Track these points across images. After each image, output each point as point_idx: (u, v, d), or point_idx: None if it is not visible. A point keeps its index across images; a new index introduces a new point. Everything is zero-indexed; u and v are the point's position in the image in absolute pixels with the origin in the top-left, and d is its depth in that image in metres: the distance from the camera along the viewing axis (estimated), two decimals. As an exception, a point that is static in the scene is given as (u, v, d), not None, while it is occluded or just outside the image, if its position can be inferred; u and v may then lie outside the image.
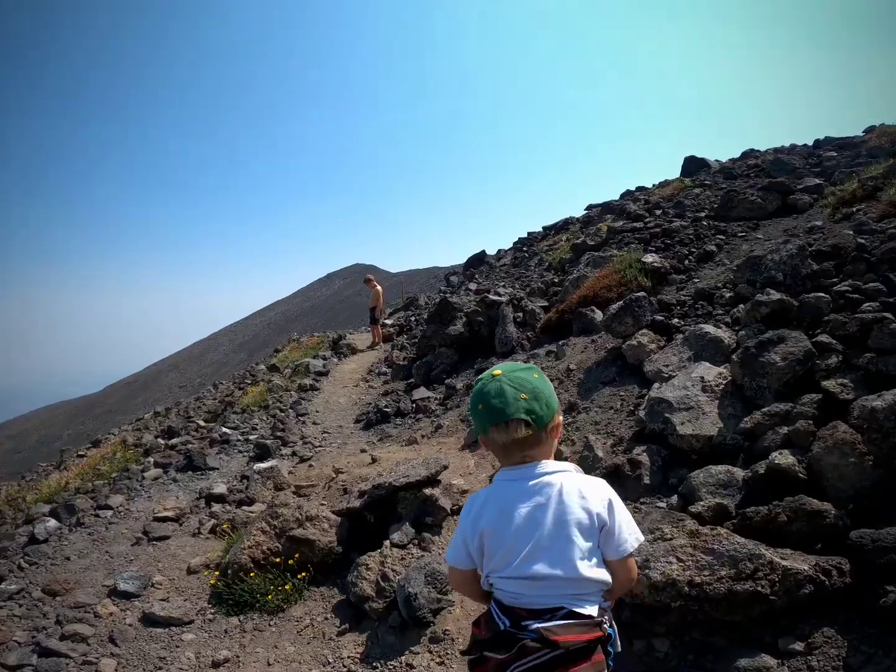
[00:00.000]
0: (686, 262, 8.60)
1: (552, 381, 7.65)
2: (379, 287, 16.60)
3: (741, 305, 5.98)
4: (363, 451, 7.94)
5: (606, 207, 18.88)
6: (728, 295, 6.66)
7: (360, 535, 5.17)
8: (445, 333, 11.11)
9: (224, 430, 10.03)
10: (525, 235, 25.78)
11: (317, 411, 11.21)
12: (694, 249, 8.90)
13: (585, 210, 24.58)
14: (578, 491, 1.65)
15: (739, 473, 3.92)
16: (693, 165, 19.37)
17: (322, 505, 5.56)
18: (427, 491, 5.17)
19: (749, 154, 17.65)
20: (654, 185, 21.35)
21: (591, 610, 1.61)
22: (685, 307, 6.90)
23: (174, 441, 9.71)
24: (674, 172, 19.81)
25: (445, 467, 5.58)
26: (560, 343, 8.34)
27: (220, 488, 7.21)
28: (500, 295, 11.23)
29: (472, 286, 17.68)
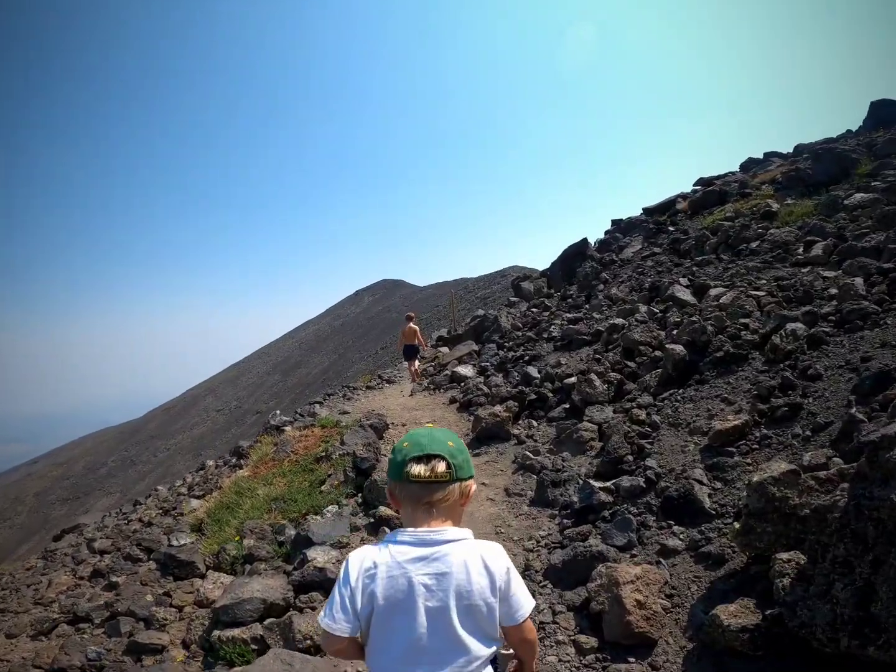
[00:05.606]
0: None
1: None
2: (408, 327, 12.26)
3: None
4: None
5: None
6: None
7: None
8: None
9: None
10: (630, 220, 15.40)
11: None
12: None
13: (698, 186, 14.89)
14: (482, 560, 1.41)
15: None
16: (886, 112, 12.87)
17: None
18: None
19: None
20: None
21: None
22: None
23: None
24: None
25: None
26: None
27: None
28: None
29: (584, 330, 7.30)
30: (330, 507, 5.32)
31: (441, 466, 1.40)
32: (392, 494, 1.50)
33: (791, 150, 15.28)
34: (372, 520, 5.13)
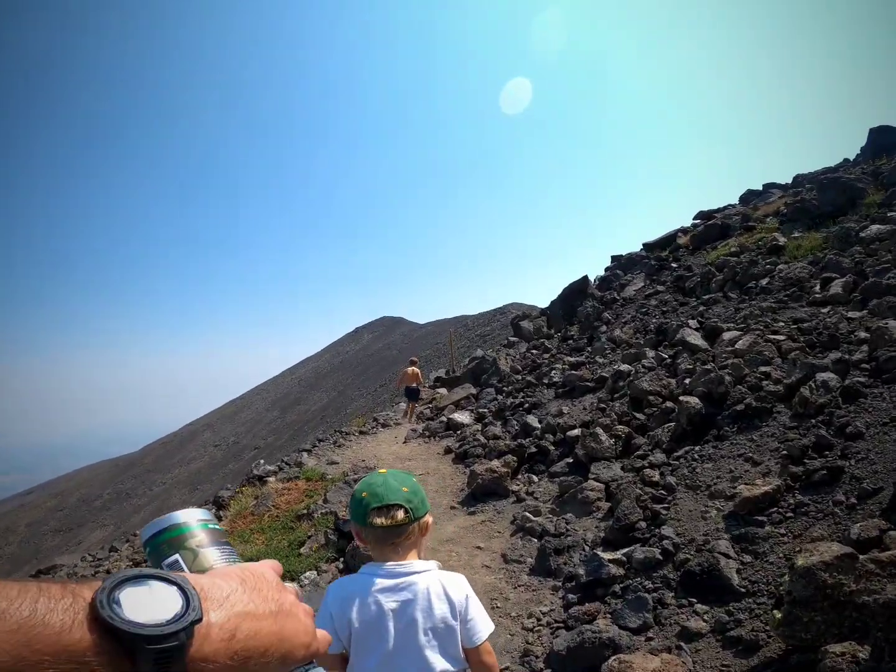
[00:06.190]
0: None
1: None
2: (410, 369, 12.56)
3: None
4: None
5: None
6: None
7: None
8: None
9: None
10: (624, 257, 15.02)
11: None
12: None
13: (698, 220, 14.60)
14: (443, 589, 1.56)
15: None
16: (886, 139, 12.43)
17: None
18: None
19: None
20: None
21: None
22: None
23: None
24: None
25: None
26: None
27: None
28: None
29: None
30: (308, 574, 4.65)
31: (400, 514, 1.54)
32: (358, 535, 1.64)
33: (790, 181, 14.93)
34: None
